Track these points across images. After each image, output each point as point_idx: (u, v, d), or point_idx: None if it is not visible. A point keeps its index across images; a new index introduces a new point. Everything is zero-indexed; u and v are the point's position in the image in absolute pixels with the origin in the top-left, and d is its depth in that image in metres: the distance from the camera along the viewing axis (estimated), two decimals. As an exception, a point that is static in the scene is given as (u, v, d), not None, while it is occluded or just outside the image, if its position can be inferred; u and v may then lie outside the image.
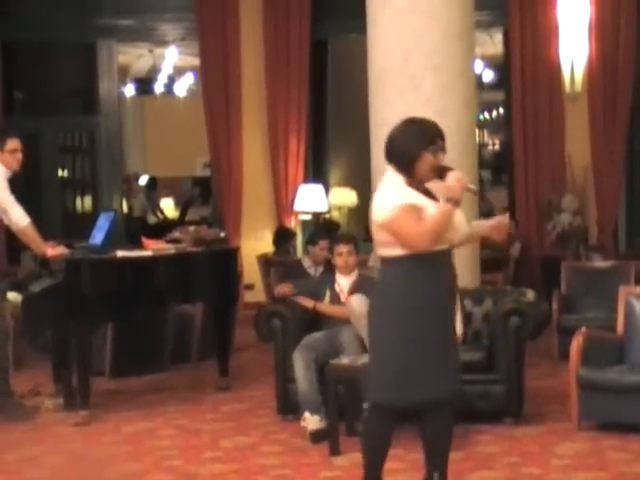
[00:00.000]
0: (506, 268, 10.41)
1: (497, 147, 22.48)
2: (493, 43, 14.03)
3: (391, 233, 4.25)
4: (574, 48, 10.73)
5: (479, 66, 16.56)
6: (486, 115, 22.03)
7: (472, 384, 6.18)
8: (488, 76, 17.04)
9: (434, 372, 4.33)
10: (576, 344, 6.07)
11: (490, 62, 16.44)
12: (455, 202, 4.20)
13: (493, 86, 17.22)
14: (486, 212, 15.17)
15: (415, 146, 4.28)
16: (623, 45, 10.57)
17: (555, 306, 8.41)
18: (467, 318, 6.52)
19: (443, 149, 4.32)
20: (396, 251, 4.28)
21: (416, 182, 4.30)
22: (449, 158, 6.81)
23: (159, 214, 16.56)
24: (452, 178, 4.21)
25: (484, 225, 4.61)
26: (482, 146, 21.80)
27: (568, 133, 10.90)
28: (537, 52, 10.82)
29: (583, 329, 6.23)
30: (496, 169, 20.32)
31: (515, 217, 11.25)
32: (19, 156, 6.88)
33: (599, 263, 9.34)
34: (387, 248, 4.32)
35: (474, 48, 7.29)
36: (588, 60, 10.71)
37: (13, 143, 6.86)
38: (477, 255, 7.21)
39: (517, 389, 6.26)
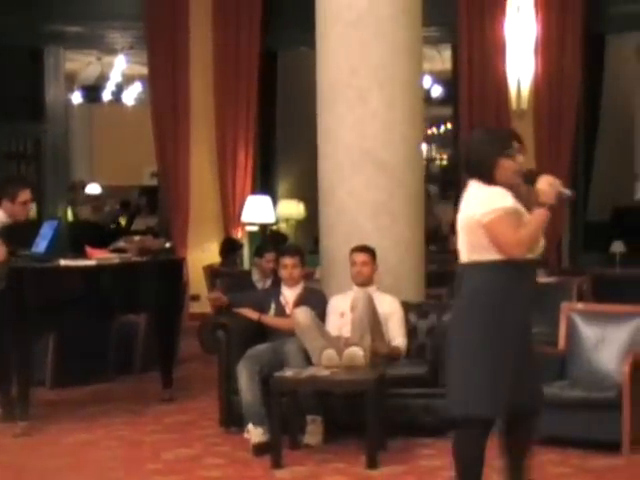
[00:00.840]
0: (450, 283, 10.44)
1: (445, 162, 22.63)
2: (442, 59, 14.13)
3: (490, 235, 4.14)
4: (521, 65, 10.85)
5: (428, 81, 16.68)
6: (435, 130, 22.16)
7: (416, 398, 6.22)
8: (437, 91, 17.16)
9: (525, 381, 4.26)
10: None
11: (439, 77, 16.56)
12: (549, 207, 4.13)
13: (442, 101, 17.33)
14: (433, 227, 15.31)
15: (490, 153, 4.21)
16: (568, 63, 10.71)
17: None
18: (411, 332, 6.55)
19: (521, 151, 4.25)
20: (490, 255, 4.17)
21: (505, 189, 4.23)
22: (395, 172, 6.96)
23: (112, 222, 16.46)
24: (544, 182, 4.13)
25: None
26: (430, 161, 21.92)
27: (514, 149, 10.98)
28: (484, 68, 10.92)
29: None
30: (444, 184, 20.45)
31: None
32: (30, 206, 6.81)
33: (543, 279, 9.41)
34: (476, 251, 4.21)
35: (421, 63, 7.33)
36: (534, 77, 10.83)
37: (25, 194, 6.77)
38: (422, 269, 7.24)
39: (460, 403, 6.28)
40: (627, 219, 13.92)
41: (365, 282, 6.48)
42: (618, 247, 10.91)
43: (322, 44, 7.12)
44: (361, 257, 6.49)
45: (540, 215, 4.12)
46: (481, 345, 4.19)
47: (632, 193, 15.47)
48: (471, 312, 4.22)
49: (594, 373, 6.13)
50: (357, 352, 5.93)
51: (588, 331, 6.31)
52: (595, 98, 11.88)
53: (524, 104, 10.91)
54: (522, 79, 10.89)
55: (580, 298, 8.66)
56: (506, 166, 4.18)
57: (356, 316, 6.18)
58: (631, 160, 15.44)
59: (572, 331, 6.36)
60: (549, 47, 10.73)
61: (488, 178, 4.19)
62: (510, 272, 4.16)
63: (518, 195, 4.22)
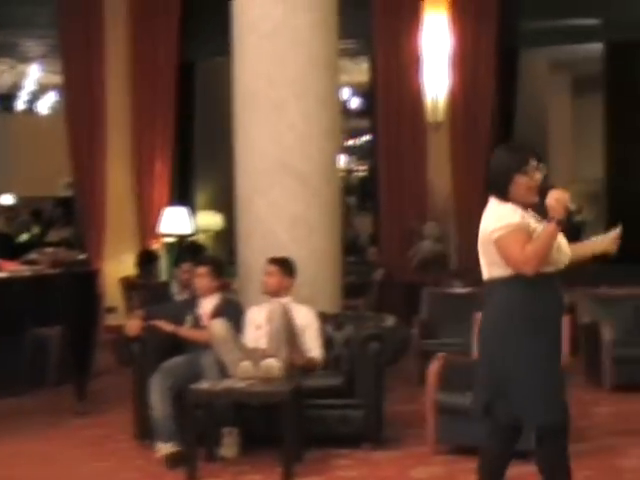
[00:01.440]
0: (369, 293, 10.53)
1: (364, 173, 22.79)
2: (360, 71, 14.24)
3: (500, 251, 4.16)
4: (436, 77, 10.99)
5: (346, 93, 16.80)
6: (354, 142, 22.31)
7: (332, 409, 6.23)
8: (355, 103, 17.29)
9: (559, 392, 4.29)
10: (434, 369, 6.17)
11: (357, 89, 16.69)
12: (558, 222, 4.11)
13: (360, 113, 17.47)
14: (352, 238, 15.39)
15: (505, 170, 4.22)
16: (483, 76, 10.87)
17: (415, 331, 8.54)
18: (328, 343, 6.56)
19: (539, 169, 4.24)
20: (502, 271, 4.20)
21: (519, 206, 4.24)
22: (312, 184, 6.97)
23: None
24: (551, 197, 4.12)
25: (600, 242, 4.47)
26: (349, 172, 22.05)
27: (430, 161, 11.13)
28: (401, 81, 11.03)
29: (441, 354, 6.34)
30: (362, 195, 20.58)
31: (378, 243, 11.42)
32: None
33: (458, 289, 9.53)
34: (495, 267, 4.23)
35: (338, 75, 7.37)
36: (450, 90, 10.98)
37: None
38: (339, 280, 7.26)
39: (376, 414, 6.32)
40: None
41: (270, 293, 6.49)
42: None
43: (238, 54, 7.12)
44: (268, 268, 6.51)
45: (548, 230, 4.13)
46: (528, 353, 4.23)
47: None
48: (504, 325, 4.27)
49: (507, 382, 6.19)
50: (273, 364, 5.92)
51: (501, 341, 6.36)
52: (509, 111, 12.08)
53: (440, 116, 11.05)
54: (438, 91, 11.03)
55: (495, 308, 8.75)
56: (520, 183, 4.20)
57: (273, 328, 6.17)
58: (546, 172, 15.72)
59: (486, 341, 6.41)
60: (464, 60, 10.89)
61: (503, 194, 4.24)
62: (528, 287, 4.18)
63: (539, 213, 4.26)
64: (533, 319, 4.22)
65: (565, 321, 6.27)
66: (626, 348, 8.07)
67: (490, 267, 4.27)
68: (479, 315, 6.59)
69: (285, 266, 6.52)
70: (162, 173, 11.56)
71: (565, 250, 4.29)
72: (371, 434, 6.26)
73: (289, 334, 6.18)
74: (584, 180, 16.46)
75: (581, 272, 9.66)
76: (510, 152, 4.31)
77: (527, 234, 4.16)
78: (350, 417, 6.24)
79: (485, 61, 10.84)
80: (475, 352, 6.43)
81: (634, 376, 7.94)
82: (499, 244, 4.17)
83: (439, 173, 11.11)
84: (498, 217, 4.21)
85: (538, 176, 4.22)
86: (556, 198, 4.10)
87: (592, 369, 8.24)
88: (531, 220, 4.22)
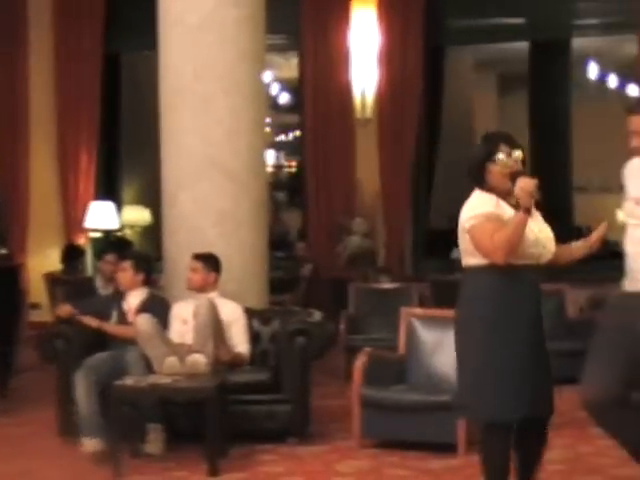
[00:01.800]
0: (297, 289, 10.55)
1: (294, 169, 22.78)
2: (289, 66, 14.24)
3: (472, 240, 4.19)
4: (364, 74, 11.04)
5: (275, 89, 16.78)
6: (283, 137, 22.29)
7: (258, 404, 6.23)
8: (285, 99, 17.27)
9: (523, 389, 4.20)
10: (359, 364, 6.20)
11: (286, 85, 16.67)
12: (525, 210, 4.10)
13: (290, 109, 17.45)
14: (280, 234, 15.39)
15: (478, 160, 4.27)
16: (410, 73, 10.95)
17: (342, 326, 8.58)
18: (255, 338, 6.56)
19: (512, 156, 4.23)
20: (478, 260, 4.22)
21: (498, 194, 4.23)
22: (240, 179, 6.95)
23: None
24: (517, 186, 4.12)
25: (583, 245, 4.40)
26: (279, 168, 22.03)
27: (359, 157, 11.18)
28: (329, 77, 11.06)
29: (366, 349, 6.39)
30: (292, 191, 20.58)
31: (307, 239, 11.44)
32: None
33: (385, 285, 9.60)
34: (470, 256, 4.25)
35: (265, 69, 7.36)
36: (378, 86, 11.04)
37: None
38: (266, 276, 7.26)
39: (302, 409, 6.34)
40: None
41: (195, 288, 6.46)
42: (457, 254, 11.17)
43: (164, 48, 7.06)
44: (192, 264, 6.49)
45: (515, 219, 4.13)
46: (484, 347, 4.23)
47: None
48: (471, 315, 4.28)
49: (432, 376, 6.27)
50: (199, 359, 5.90)
51: (427, 335, 6.45)
52: (436, 108, 12.21)
53: (368, 113, 11.10)
54: (366, 88, 11.08)
55: (421, 304, 8.86)
56: (494, 171, 4.23)
57: (199, 323, 6.15)
58: (471, 169, 15.91)
59: (411, 336, 6.49)
60: (391, 57, 10.96)
61: (481, 183, 4.27)
62: (501, 277, 4.18)
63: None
64: (499, 311, 4.21)
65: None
66: (553, 342, 8.16)
67: (465, 256, 4.31)
68: (404, 310, 6.71)
69: (210, 262, 6.50)
70: (88, 167, 11.42)
71: (548, 245, 4.27)
72: (297, 429, 6.28)
73: (215, 329, 6.16)
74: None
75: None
76: (482, 141, 4.36)
77: (499, 223, 4.17)
78: (276, 412, 6.24)
79: (412, 58, 10.92)
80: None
81: (560, 370, 8.04)
82: (471, 233, 4.20)
83: (367, 169, 11.16)
84: (472, 207, 4.25)
85: (511, 163, 4.23)
86: (521, 187, 4.12)
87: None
88: (506, 209, 4.21)
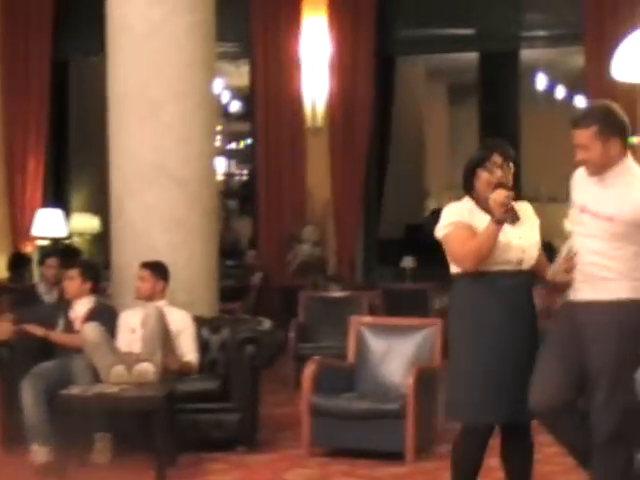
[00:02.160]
0: (247, 297, 10.53)
1: (245, 177, 22.74)
2: (240, 74, 14.22)
3: (445, 249, 4.26)
4: (315, 83, 11.06)
5: (226, 96, 16.76)
6: (234, 145, 22.25)
7: (207, 413, 6.20)
8: (235, 107, 17.26)
9: (502, 395, 4.20)
10: (309, 372, 6.20)
11: (238, 93, 16.66)
12: (497, 221, 4.12)
13: (240, 117, 17.44)
14: (231, 242, 15.35)
15: (471, 165, 4.31)
16: (361, 82, 10.99)
17: (292, 335, 8.57)
18: (204, 347, 6.53)
19: (501, 166, 4.25)
20: (454, 268, 4.28)
21: (483, 202, 4.24)
22: (189, 187, 6.92)
23: None
24: (490, 197, 4.16)
25: (555, 272, 4.31)
26: (230, 176, 21.98)
27: (309, 166, 11.20)
28: (280, 85, 11.06)
29: (316, 357, 6.39)
30: (243, 199, 20.55)
31: (257, 247, 11.43)
32: None
33: (335, 293, 9.62)
34: (451, 264, 4.30)
35: (215, 77, 7.34)
36: (329, 95, 11.06)
37: None
38: (215, 284, 7.23)
39: (251, 417, 6.32)
40: (418, 235, 14.42)
41: (143, 297, 6.42)
42: (408, 262, 11.27)
43: (112, 55, 7.01)
44: (140, 273, 6.44)
45: (487, 229, 4.16)
46: (465, 351, 4.27)
47: (423, 210, 16.07)
48: (451, 321, 4.36)
49: (381, 385, 6.29)
50: (147, 368, 5.85)
51: (376, 344, 6.46)
52: (387, 117, 12.27)
53: (319, 121, 11.12)
54: (317, 97, 11.10)
55: (372, 312, 8.88)
56: (482, 177, 4.26)
57: (147, 332, 6.10)
58: (422, 178, 16.04)
59: (361, 344, 6.50)
60: (342, 66, 11.00)
61: (469, 189, 4.30)
62: (479, 281, 4.21)
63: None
64: (474, 319, 4.24)
65: (438, 325, 6.43)
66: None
67: (449, 263, 4.36)
68: (354, 318, 6.73)
69: (158, 270, 6.46)
70: (35, 174, 11.30)
71: (529, 251, 4.27)
72: (246, 438, 6.26)
73: (164, 338, 6.12)
74: (459, 186, 16.79)
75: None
76: (479, 148, 4.41)
77: (468, 232, 4.21)
78: (225, 421, 6.22)
79: (363, 67, 10.96)
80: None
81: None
82: (444, 242, 4.28)
83: (318, 178, 11.18)
84: (445, 215, 4.31)
85: (498, 173, 4.25)
86: (493, 198, 4.16)
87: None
88: (481, 217, 4.23)
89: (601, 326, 4.04)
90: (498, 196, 4.14)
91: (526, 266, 4.27)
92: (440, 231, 4.30)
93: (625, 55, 5.21)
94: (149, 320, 6.12)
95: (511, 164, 4.31)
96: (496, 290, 4.23)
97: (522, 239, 4.27)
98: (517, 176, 4.34)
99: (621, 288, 4.05)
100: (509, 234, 4.24)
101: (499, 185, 4.18)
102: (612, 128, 4.06)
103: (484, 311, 4.23)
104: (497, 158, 4.27)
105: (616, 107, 4.13)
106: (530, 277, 4.29)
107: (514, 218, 4.27)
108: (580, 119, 4.09)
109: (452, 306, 4.41)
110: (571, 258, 4.18)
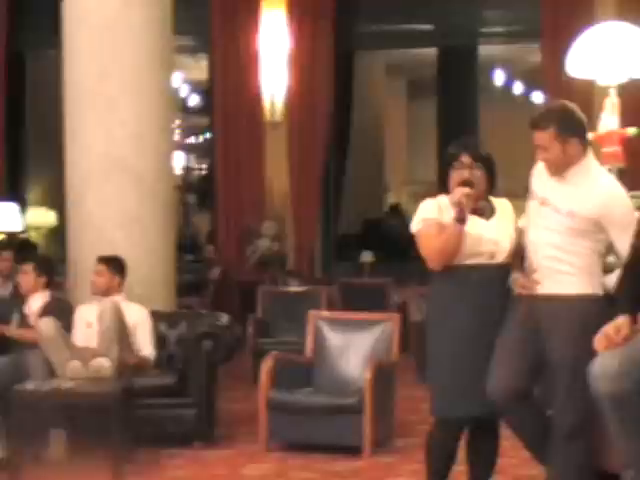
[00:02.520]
0: (206, 292, 10.49)
1: (204, 172, 22.66)
2: (200, 68, 14.17)
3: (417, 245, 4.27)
4: (274, 77, 11.04)
5: (185, 90, 16.68)
6: (193, 140, 22.16)
7: (164, 408, 6.18)
8: (194, 101, 17.19)
9: (473, 388, 4.17)
10: (266, 367, 6.18)
11: (197, 87, 16.59)
12: (456, 220, 4.14)
13: (199, 111, 17.38)
14: (191, 236, 15.29)
15: (444, 164, 4.34)
16: (320, 76, 10.99)
17: (250, 330, 8.56)
18: (161, 342, 6.50)
19: (470, 166, 4.24)
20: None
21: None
22: (146, 181, 6.88)
23: None
24: (449, 198, 4.20)
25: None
26: (189, 170, 21.90)
27: (268, 160, 11.17)
28: (239, 79, 11.02)
29: (274, 352, 6.38)
30: (202, 193, 20.48)
31: (216, 241, 11.39)
32: None
33: (294, 288, 9.61)
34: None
35: (173, 71, 7.30)
36: (287, 90, 11.04)
37: None
38: (173, 279, 7.20)
39: (209, 412, 6.30)
40: (377, 230, 14.46)
41: (99, 292, 6.37)
42: (367, 257, 11.30)
43: (69, 48, 6.95)
44: (96, 267, 6.40)
45: (449, 228, 4.18)
46: (436, 345, 4.29)
47: (382, 205, 16.11)
48: (426, 315, 4.44)
49: (339, 379, 6.29)
50: (104, 363, 5.81)
51: (334, 338, 6.47)
52: (346, 111, 12.28)
53: (278, 116, 11.10)
54: (276, 91, 11.07)
55: (330, 307, 8.89)
56: (452, 177, 4.27)
57: (103, 326, 6.06)
58: (381, 173, 16.07)
59: (319, 339, 6.50)
60: (301, 61, 10.98)
61: (445, 187, 4.30)
62: (449, 276, 4.23)
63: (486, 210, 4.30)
64: (446, 313, 4.26)
65: (395, 319, 6.45)
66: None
67: None
68: (312, 313, 6.72)
69: (114, 265, 6.41)
70: (-9, 167, 11.19)
71: (501, 244, 4.24)
72: (203, 433, 6.24)
73: (120, 333, 6.07)
74: (418, 181, 16.87)
75: (411, 271, 9.92)
76: (450, 146, 4.39)
77: (436, 229, 4.21)
78: (182, 416, 6.19)
79: (322, 62, 10.96)
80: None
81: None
82: (416, 238, 4.30)
83: (277, 172, 11.17)
84: (419, 211, 4.32)
85: (465, 174, 4.25)
86: (450, 197, 4.21)
87: (421, 366, 8.43)
88: (451, 214, 4.22)
89: (561, 320, 4.05)
90: (455, 195, 4.18)
91: (499, 259, 4.26)
92: (413, 227, 4.32)
93: (580, 52, 5.24)
94: (105, 315, 6.07)
95: (479, 165, 4.27)
96: (468, 285, 4.24)
97: (495, 232, 4.27)
98: (492, 176, 4.31)
99: (581, 283, 4.07)
100: (482, 227, 4.26)
101: (463, 184, 4.20)
102: (570, 129, 4.07)
103: (457, 305, 4.25)
104: (465, 158, 4.28)
105: (573, 106, 4.15)
106: (504, 270, 4.27)
107: (484, 212, 4.28)
108: (538, 121, 4.10)
109: (428, 300, 4.46)
110: (532, 273, 4.16)
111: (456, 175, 4.26)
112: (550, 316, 4.09)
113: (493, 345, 4.18)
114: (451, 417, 4.29)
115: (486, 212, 4.31)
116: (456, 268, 4.23)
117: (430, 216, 4.26)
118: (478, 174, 4.26)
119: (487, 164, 4.30)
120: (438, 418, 4.35)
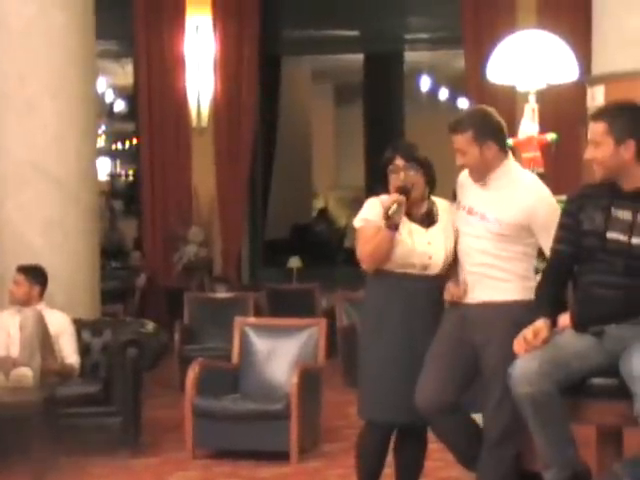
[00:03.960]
0: (131, 299, 10.38)
1: (130, 178, 22.45)
2: (125, 73, 14.03)
3: None
4: (200, 82, 10.97)
5: (111, 96, 16.52)
6: (119, 145, 21.95)
7: (88, 417, 6.11)
8: (120, 106, 17.03)
9: (403, 394, 4.15)
10: (192, 374, 6.14)
11: (122, 93, 16.44)
12: (388, 226, 4.13)
13: (125, 116, 17.22)
14: (116, 243, 15.12)
15: (381, 165, 4.34)
16: (246, 81, 10.94)
17: (177, 336, 8.49)
18: (85, 350, 6.41)
19: (404, 169, 4.23)
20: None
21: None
22: (68, 187, 6.78)
23: None
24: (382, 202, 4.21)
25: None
26: (115, 176, 21.68)
27: (195, 166, 11.10)
28: (164, 84, 10.93)
29: (200, 359, 6.34)
30: (129, 199, 20.29)
31: (142, 248, 11.29)
32: None
33: (221, 294, 9.56)
34: None
35: (96, 75, 7.23)
36: (214, 94, 10.99)
37: None
38: (97, 285, 7.12)
39: (134, 420, 6.22)
40: (304, 235, 14.48)
41: (18, 302, 6.27)
42: (295, 262, 11.29)
43: (-13, 51, 6.85)
44: (15, 277, 6.29)
45: (380, 233, 4.18)
46: (365, 349, 4.31)
47: (310, 210, 16.14)
48: (362, 317, 4.51)
49: (265, 385, 6.27)
50: (26, 373, 5.73)
51: (260, 344, 6.45)
52: (272, 117, 12.27)
53: (204, 121, 11.04)
54: (202, 96, 11.02)
55: (257, 313, 8.87)
56: (390, 180, 4.28)
57: (26, 335, 5.95)
58: (309, 178, 16.11)
59: (245, 345, 6.48)
60: (227, 66, 10.93)
61: (387, 190, 4.29)
62: (385, 281, 4.24)
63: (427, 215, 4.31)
64: (377, 317, 4.27)
65: (322, 324, 6.45)
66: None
67: None
68: (238, 319, 6.70)
69: (34, 274, 6.30)
70: None
71: (436, 258, 4.22)
72: (129, 441, 6.16)
73: (43, 341, 5.97)
74: (346, 187, 16.95)
75: (339, 276, 9.94)
76: (386, 149, 4.38)
77: (372, 231, 4.21)
78: (107, 424, 6.12)
79: (248, 67, 10.91)
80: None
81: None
82: (356, 235, 4.33)
83: (204, 178, 11.10)
84: (364, 208, 4.32)
85: (401, 176, 4.25)
86: (382, 201, 4.22)
87: (349, 371, 8.45)
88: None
89: (497, 328, 4.03)
90: (384, 202, 4.19)
91: (433, 271, 4.25)
92: (356, 222, 4.34)
93: (500, 59, 5.31)
94: (28, 323, 5.97)
95: (413, 168, 4.26)
96: (400, 291, 4.25)
97: (430, 245, 4.24)
98: (430, 176, 4.33)
99: (515, 289, 4.08)
100: (417, 239, 4.24)
101: (398, 191, 4.20)
102: (487, 132, 4.09)
103: (387, 311, 4.26)
104: (399, 161, 4.28)
105: (491, 111, 4.19)
106: (437, 281, 4.25)
107: (424, 219, 4.29)
108: (456, 124, 4.13)
109: (363, 302, 4.48)
110: (463, 281, 4.18)
111: (393, 180, 4.28)
112: (485, 324, 4.08)
113: (425, 353, 4.18)
114: (380, 420, 4.30)
115: (430, 216, 4.30)
116: (388, 273, 4.25)
117: (372, 218, 4.25)
118: (413, 175, 4.26)
119: (422, 165, 4.31)
120: (368, 421, 4.36)
